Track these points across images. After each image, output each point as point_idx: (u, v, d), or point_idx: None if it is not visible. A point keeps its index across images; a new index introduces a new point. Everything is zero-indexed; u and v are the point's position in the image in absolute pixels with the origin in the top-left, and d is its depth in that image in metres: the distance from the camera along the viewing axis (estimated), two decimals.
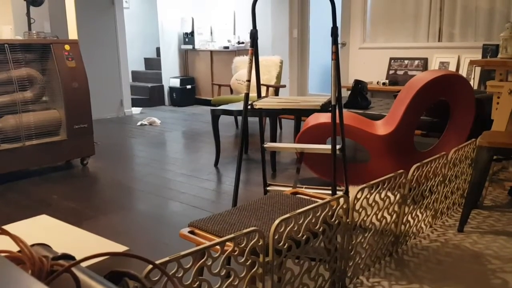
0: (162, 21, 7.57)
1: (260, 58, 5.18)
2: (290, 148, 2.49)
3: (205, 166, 3.96)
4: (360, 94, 3.89)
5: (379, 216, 2.05)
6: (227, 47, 7.13)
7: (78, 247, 1.27)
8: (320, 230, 1.69)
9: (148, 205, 3.04)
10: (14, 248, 0.67)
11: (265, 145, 2.48)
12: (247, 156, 4.31)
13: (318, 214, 1.68)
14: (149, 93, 7.69)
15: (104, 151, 4.60)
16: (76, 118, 3.86)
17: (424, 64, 5.42)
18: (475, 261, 2.13)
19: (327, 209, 1.72)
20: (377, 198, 1.99)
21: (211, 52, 7.44)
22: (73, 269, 0.62)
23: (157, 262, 1.19)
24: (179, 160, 4.20)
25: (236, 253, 1.42)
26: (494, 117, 3.27)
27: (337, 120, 2.31)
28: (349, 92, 4.05)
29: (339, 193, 2.12)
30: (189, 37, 7.62)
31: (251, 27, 2.33)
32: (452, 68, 5.16)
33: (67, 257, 0.69)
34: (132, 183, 3.54)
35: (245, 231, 1.43)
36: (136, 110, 7.03)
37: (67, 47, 3.80)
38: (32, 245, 0.75)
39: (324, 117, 3.18)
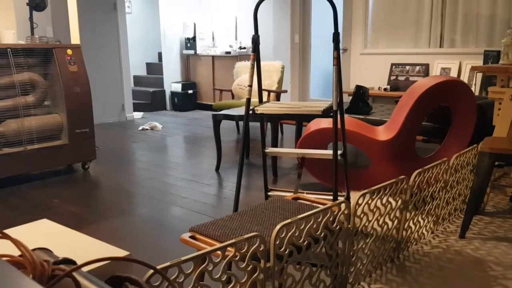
0: (164, 26, 7.60)
1: (262, 63, 5.19)
2: (291, 153, 2.49)
3: (206, 171, 3.96)
4: (361, 100, 3.90)
5: (380, 222, 2.04)
6: (229, 52, 7.15)
7: (79, 252, 1.27)
8: (322, 235, 1.68)
9: (149, 210, 3.03)
10: (15, 252, 0.67)
11: (266, 150, 2.48)
12: (248, 161, 4.31)
13: (320, 219, 1.68)
14: (150, 98, 7.70)
15: (105, 155, 4.61)
16: (77, 123, 3.87)
17: (425, 70, 5.43)
18: (477, 268, 2.12)
19: (328, 215, 1.71)
20: (378, 203, 1.99)
21: (213, 57, 7.46)
22: (74, 274, 0.62)
23: (158, 267, 1.19)
24: (180, 165, 4.20)
25: (237, 258, 1.42)
26: (495, 123, 3.27)
27: (339, 126, 2.31)
28: (351, 97, 4.05)
29: (341, 198, 2.12)
30: (191, 42, 7.65)
31: (252, 32, 2.34)
32: (453, 74, 5.17)
33: (68, 261, 0.69)
34: (133, 187, 3.54)
35: (246, 236, 1.43)
36: (138, 115, 7.04)
37: (69, 51, 3.81)
38: (33, 250, 0.75)
39: (326, 122, 3.18)
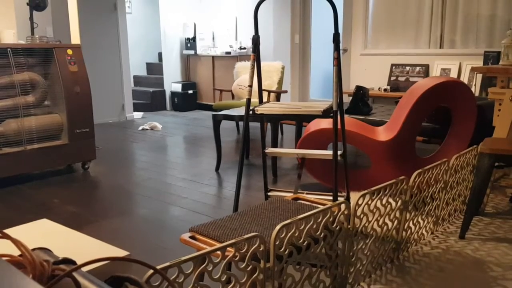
0: (164, 26, 7.60)
1: (262, 64, 5.18)
2: (291, 154, 2.49)
3: (206, 171, 3.96)
4: (361, 100, 3.90)
5: (380, 223, 2.04)
6: (229, 53, 7.15)
7: (78, 252, 1.27)
8: (321, 236, 1.68)
9: (148, 210, 3.03)
10: (15, 252, 0.67)
11: (266, 151, 2.48)
12: (248, 161, 4.31)
13: (319, 220, 1.68)
14: (150, 98, 7.71)
15: (105, 155, 4.61)
16: (77, 123, 3.87)
17: (425, 70, 5.43)
18: (477, 268, 2.12)
19: (328, 215, 1.71)
20: (378, 204, 1.99)
21: (213, 57, 7.46)
22: (74, 274, 0.62)
23: (158, 267, 1.18)
24: (180, 165, 4.21)
25: (237, 258, 1.42)
26: (495, 123, 3.27)
27: (339, 126, 2.31)
28: (351, 98, 4.05)
29: (340, 199, 2.12)
30: (191, 42, 7.65)
31: (253, 33, 2.34)
32: (453, 74, 5.17)
33: (68, 261, 0.69)
34: (133, 187, 3.54)
35: (246, 236, 1.43)
36: (138, 115, 7.04)
37: (69, 51, 3.81)
38: (33, 249, 0.75)
39: (326, 123, 3.18)
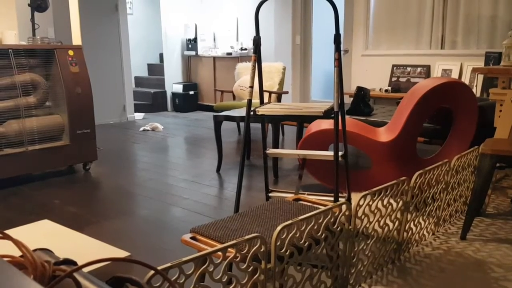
0: (165, 27, 7.61)
1: (263, 65, 5.19)
2: (293, 154, 2.49)
3: (207, 172, 3.96)
4: (362, 101, 3.89)
5: (381, 223, 2.04)
6: (230, 53, 7.15)
7: (79, 253, 1.27)
8: (322, 236, 1.68)
9: (150, 211, 3.03)
10: (16, 253, 0.67)
11: (267, 151, 2.48)
12: (249, 162, 4.31)
13: (320, 220, 1.68)
14: (152, 99, 7.71)
15: (106, 156, 4.61)
16: (79, 123, 3.87)
17: (426, 71, 5.42)
18: (478, 269, 2.12)
19: (329, 216, 1.71)
20: (379, 205, 1.99)
21: (214, 58, 7.47)
22: (75, 275, 0.62)
23: (159, 268, 1.18)
24: (181, 166, 4.21)
25: (238, 259, 1.42)
26: (496, 124, 3.27)
27: (340, 127, 2.31)
28: (352, 98, 4.05)
29: (342, 199, 2.12)
30: (192, 43, 7.65)
31: (254, 34, 2.34)
32: (454, 75, 5.16)
33: (69, 262, 0.69)
34: (134, 188, 3.54)
35: (247, 237, 1.43)
36: (139, 116, 7.05)
37: (70, 52, 3.82)
38: (34, 250, 0.75)
39: (327, 124, 3.18)
